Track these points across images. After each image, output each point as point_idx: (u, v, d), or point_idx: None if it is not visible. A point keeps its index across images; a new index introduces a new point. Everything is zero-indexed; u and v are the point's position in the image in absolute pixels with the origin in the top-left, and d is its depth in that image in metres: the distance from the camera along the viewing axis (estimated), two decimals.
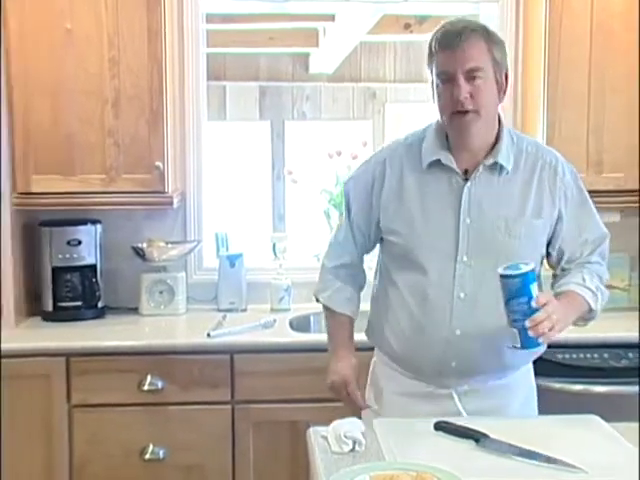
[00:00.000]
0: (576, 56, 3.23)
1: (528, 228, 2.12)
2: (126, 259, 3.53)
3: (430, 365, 2.18)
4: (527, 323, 1.91)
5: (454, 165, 2.13)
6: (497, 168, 2.13)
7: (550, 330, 1.93)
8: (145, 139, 3.28)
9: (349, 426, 1.95)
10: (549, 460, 1.77)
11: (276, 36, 5.70)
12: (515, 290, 1.93)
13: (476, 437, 1.89)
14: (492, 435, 1.88)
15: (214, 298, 3.57)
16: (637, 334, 2.99)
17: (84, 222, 3.45)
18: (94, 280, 3.42)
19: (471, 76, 2.04)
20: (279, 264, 3.58)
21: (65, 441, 3.03)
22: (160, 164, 3.28)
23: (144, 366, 3.04)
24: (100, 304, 3.45)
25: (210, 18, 3.73)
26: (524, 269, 1.94)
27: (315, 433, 2.01)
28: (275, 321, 3.29)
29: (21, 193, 3.27)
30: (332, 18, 5.00)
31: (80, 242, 3.42)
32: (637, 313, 3.23)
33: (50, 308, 3.41)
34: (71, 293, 3.40)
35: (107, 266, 3.51)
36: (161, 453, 3.05)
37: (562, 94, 3.25)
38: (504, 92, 2.12)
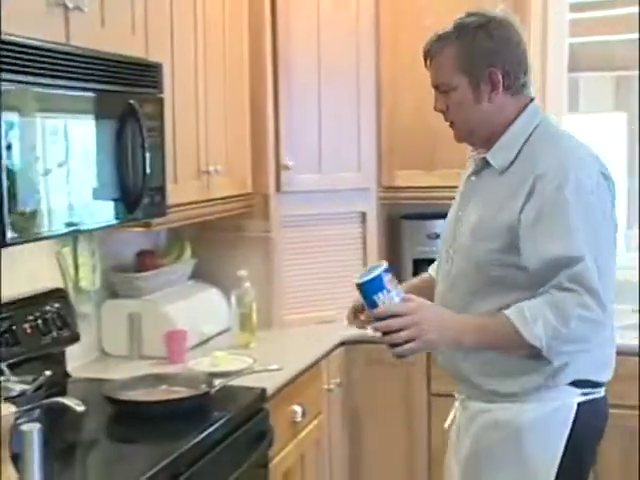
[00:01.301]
0: None
1: (488, 230, 1.91)
2: None
3: (437, 357, 2.08)
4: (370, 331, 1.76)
5: (469, 162, 2.08)
6: (489, 165, 1.98)
7: (408, 342, 1.75)
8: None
9: None
10: None
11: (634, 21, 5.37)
12: (363, 299, 1.78)
13: None
14: None
15: None
16: None
17: (443, 216, 3.50)
18: None
19: (442, 90, 1.98)
20: None
21: (424, 427, 3.13)
22: None
23: None
24: None
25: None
26: (361, 279, 1.77)
27: None
28: None
29: (386, 187, 3.43)
30: None
31: (439, 236, 3.49)
32: None
33: None
34: None
35: None
36: None
37: None
38: (497, 90, 1.93)
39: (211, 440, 2.11)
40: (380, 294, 1.76)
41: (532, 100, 1.98)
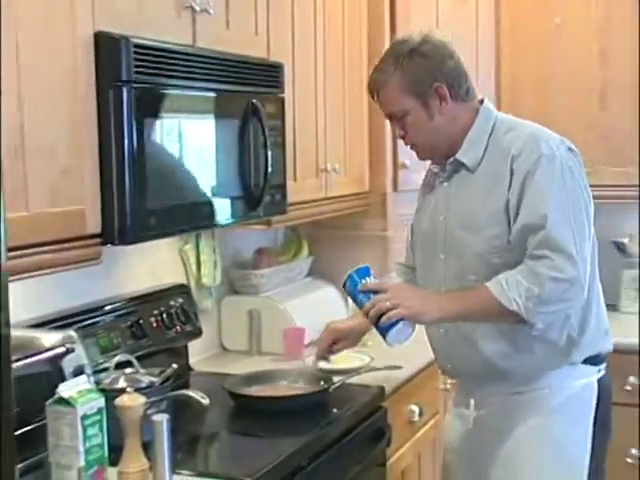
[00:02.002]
0: None
1: (480, 221, 2.00)
2: (606, 253, 3.44)
3: (439, 362, 2.23)
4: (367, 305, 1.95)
5: (436, 170, 2.15)
6: (462, 165, 2.06)
7: (392, 310, 1.91)
8: (628, 131, 3.20)
9: None
10: None
11: None
12: (354, 284, 2.02)
13: None
14: None
15: None
16: None
17: None
18: None
19: (396, 118, 2.06)
20: None
21: None
22: None
23: (625, 366, 2.95)
24: None
25: None
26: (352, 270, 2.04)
27: None
28: None
29: None
30: None
31: None
32: None
33: None
34: None
35: None
36: None
37: None
38: (445, 102, 2.02)
39: (331, 436, 2.13)
40: (368, 279, 2.03)
41: (482, 101, 2.09)
